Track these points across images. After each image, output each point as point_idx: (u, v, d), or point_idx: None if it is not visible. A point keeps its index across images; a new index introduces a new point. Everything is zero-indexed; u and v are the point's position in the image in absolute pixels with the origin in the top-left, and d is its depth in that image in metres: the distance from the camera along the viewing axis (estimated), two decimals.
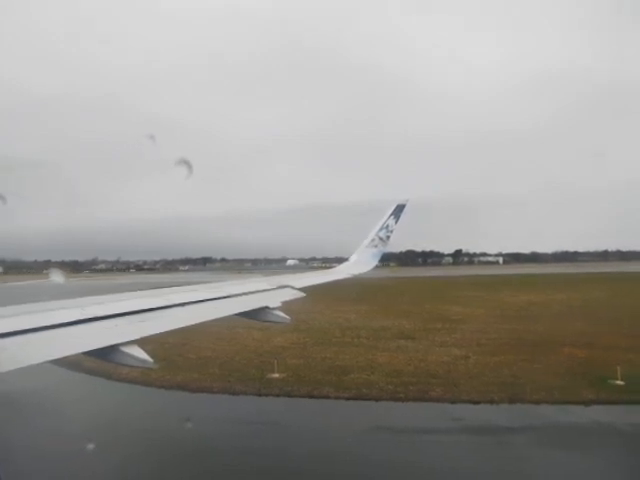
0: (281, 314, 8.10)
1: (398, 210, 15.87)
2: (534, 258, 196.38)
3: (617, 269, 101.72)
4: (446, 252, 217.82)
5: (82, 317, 5.11)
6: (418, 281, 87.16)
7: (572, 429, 15.53)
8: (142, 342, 5.21)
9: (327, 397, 18.85)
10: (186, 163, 6.64)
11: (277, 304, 8.31)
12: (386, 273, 72.62)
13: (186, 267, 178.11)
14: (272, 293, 9.30)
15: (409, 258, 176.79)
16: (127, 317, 5.60)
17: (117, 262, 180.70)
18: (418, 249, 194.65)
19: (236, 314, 7.57)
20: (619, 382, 19.09)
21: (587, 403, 17.43)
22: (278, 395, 19.20)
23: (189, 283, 9.73)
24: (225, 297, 7.86)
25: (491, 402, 17.81)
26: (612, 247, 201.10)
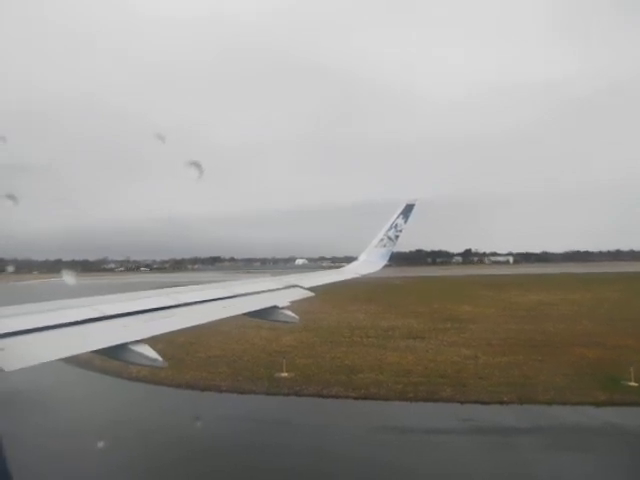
0: (290, 313, 8.11)
1: (407, 210, 15.81)
2: (545, 258, 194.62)
3: (630, 269, 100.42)
4: (456, 251, 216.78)
5: (92, 316, 5.14)
6: (427, 281, 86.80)
7: (584, 431, 15.34)
8: (152, 341, 5.23)
9: (336, 396, 18.82)
10: (197, 165, 6.66)
11: (286, 303, 8.33)
12: (395, 273, 72.51)
13: (195, 266, 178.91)
14: (281, 292, 9.32)
15: (418, 257, 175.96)
16: (137, 316, 5.64)
17: (127, 261, 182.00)
18: (427, 248, 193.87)
19: (245, 313, 7.59)
20: (632, 383, 18.84)
21: (599, 404, 17.21)
22: (287, 394, 19.22)
23: (198, 282, 9.76)
24: (234, 296, 7.88)
25: (501, 403, 17.67)
26: (624, 246, 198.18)
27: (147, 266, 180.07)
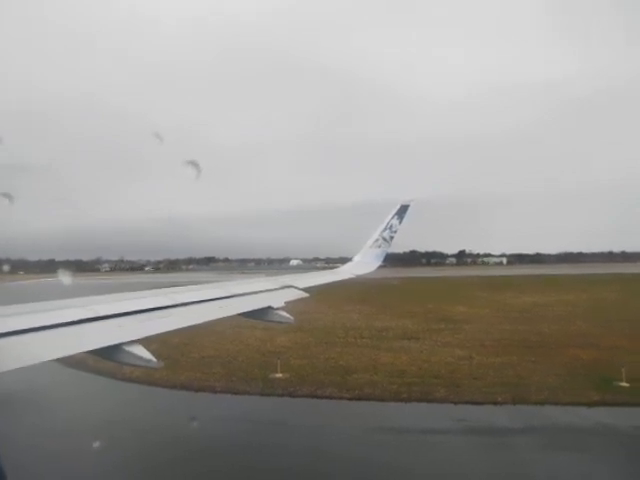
0: (285, 314, 8.12)
1: (402, 210, 15.86)
2: (538, 259, 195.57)
3: (622, 270, 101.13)
4: (450, 253, 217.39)
5: (86, 316, 5.13)
6: (421, 281, 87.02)
7: (576, 431, 15.44)
8: (146, 341, 5.23)
9: (330, 397, 18.83)
10: (194, 165, 6.67)
11: (281, 304, 8.34)
12: (390, 273, 72.63)
13: (190, 267, 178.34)
14: (275, 293, 9.33)
15: (412, 258, 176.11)
16: (131, 316, 5.63)
17: (121, 261, 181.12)
18: (422, 249, 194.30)
19: (240, 314, 7.59)
20: (624, 384, 18.98)
21: (592, 405, 17.33)
22: (281, 395, 19.21)
23: (193, 283, 9.74)
24: (229, 297, 7.89)
25: (494, 403, 17.74)
26: (617, 248, 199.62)
27: (143, 267, 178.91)
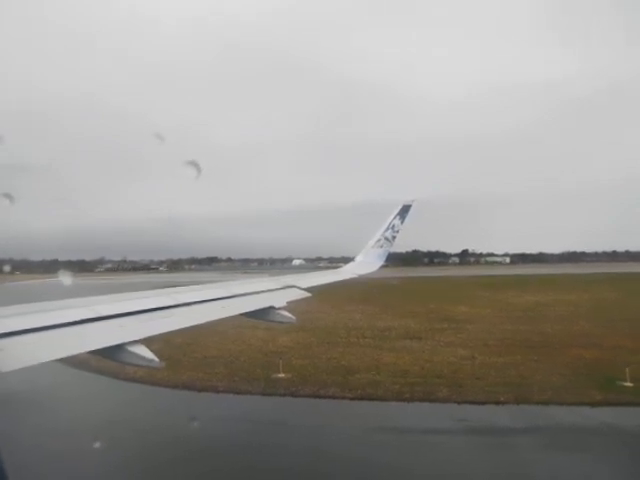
0: (287, 314, 8.10)
1: (404, 210, 15.83)
2: (541, 258, 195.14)
3: (625, 269, 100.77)
4: (452, 252, 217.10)
5: (89, 316, 5.13)
6: (424, 281, 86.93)
7: (580, 431, 15.39)
8: (148, 341, 5.22)
9: (332, 397, 18.82)
10: (194, 165, 6.68)
11: (283, 304, 8.33)
12: (392, 273, 72.59)
13: (192, 266, 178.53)
14: (278, 293, 9.31)
15: (415, 258, 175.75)
16: (134, 316, 5.62)
17: (123, 261, 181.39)
18: (424, 249, 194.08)
19: (242, 314, 7.58)
20: (627, 383, 18.91)
21: (595, 404, 17.27)
22: (283, 395, 19.20)
23: (195, 282, 9.74)
24: (231, 297, 7.87)
25: (497, 403, 17.71)
26: (620, 247, 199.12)
27: (146, 267, 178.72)
